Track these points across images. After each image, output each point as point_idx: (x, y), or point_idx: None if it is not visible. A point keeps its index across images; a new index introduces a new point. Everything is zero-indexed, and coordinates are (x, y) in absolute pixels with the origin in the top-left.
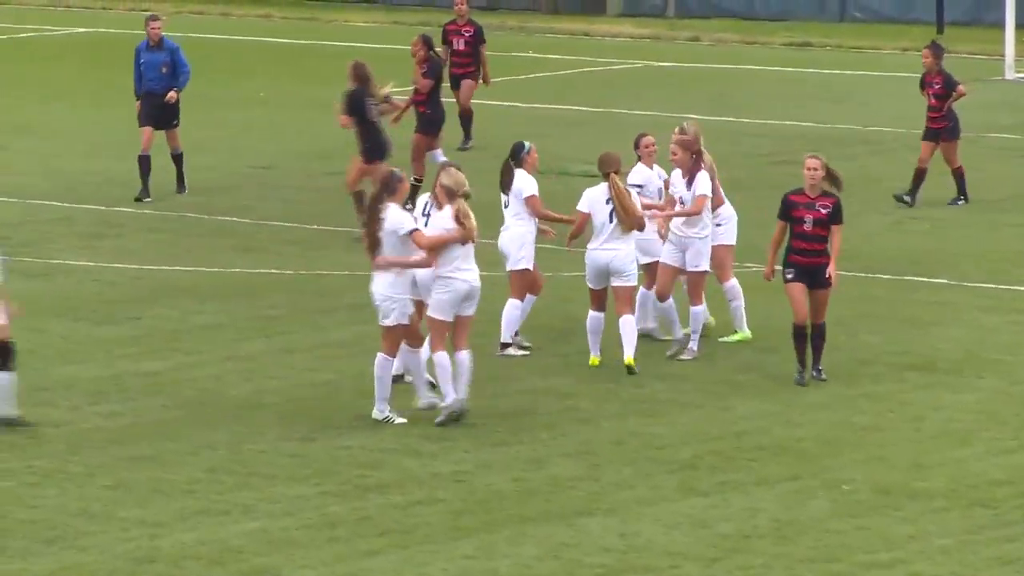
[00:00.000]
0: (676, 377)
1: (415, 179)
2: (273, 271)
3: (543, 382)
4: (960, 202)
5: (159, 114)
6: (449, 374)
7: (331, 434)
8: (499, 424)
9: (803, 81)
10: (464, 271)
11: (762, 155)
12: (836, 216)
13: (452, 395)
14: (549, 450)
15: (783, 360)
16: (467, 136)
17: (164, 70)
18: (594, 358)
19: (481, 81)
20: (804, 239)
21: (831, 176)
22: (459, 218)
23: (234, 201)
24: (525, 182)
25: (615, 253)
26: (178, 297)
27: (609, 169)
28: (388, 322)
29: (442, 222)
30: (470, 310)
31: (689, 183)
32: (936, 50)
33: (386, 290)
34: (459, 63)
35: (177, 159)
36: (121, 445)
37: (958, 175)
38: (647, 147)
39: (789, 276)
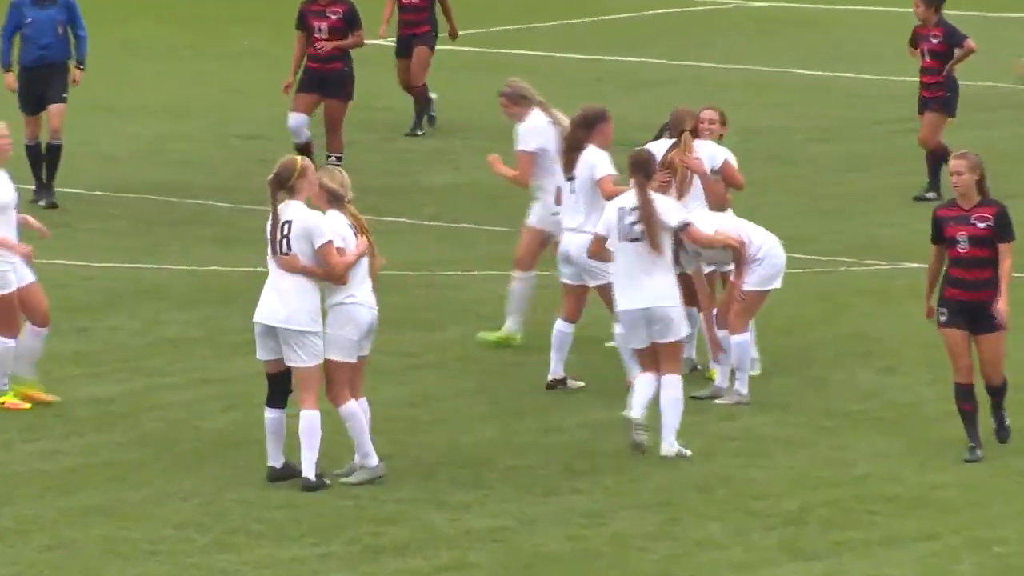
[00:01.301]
0: (777, 407)
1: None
2: (261, 269)
3: (605, 413)
4: (931, 196)
5: (47, 93)
6: (367, 425)
7: (331, 475)
8: (547, 467)
9: None
10: (368, 296)
11: (888, 121)
12: (1002, 231)
13: (375, 457)
14: (614, 501)
15: (912, 383)
16: (418, 120)
17: (60, 31)
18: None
19: (448, 35)
20: (960, 265)
21: (982, 179)
22: (362, 228)
23: (213, 180)
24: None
25: None
26: (140, 302)
27: (684, 128)
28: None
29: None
30: (368, 348)
31: None
32: None
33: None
34: (410, 20)
35: (54, 152)
36: (65, 494)
37: (933, 159)
38: (703, 122)
39: (943, 318)
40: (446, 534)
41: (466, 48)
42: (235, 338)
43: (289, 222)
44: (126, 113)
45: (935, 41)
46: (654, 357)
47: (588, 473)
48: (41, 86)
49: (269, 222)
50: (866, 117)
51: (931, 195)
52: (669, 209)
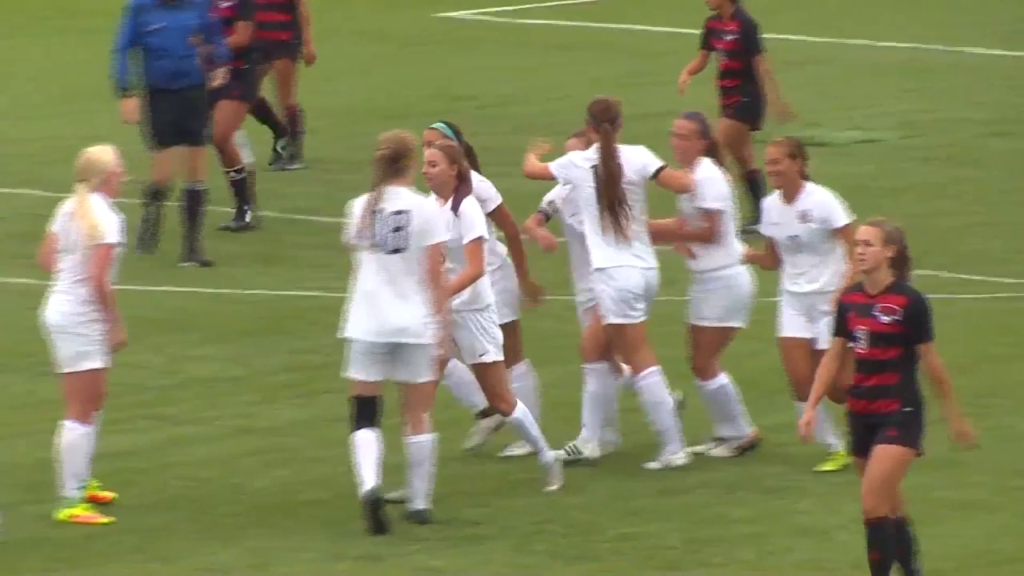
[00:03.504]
0: (949, 464)
1: None
2: (313, 294)
3: (736, 470)
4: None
5: (184, 121)
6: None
7: (407, 547)
8: (668, 535)
9: None
10: None
11: None
12: (911, 326)
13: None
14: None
15: None
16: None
17: (193, 43)
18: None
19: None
20: (861, 368)
21: (898, 259)
22: None
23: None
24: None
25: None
26: (164, 334)
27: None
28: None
29: None
30: None
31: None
32: None
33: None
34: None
35: (195, 199)
36: (77, 567)
37: (751, 178)
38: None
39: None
40: None
41: (578, 23)
42: (279, 379)
43: (405, 212)
44: None
45: (729, 39)
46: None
47: (717, 542)
48: (173, 113)
49: (363, 212)
50: None
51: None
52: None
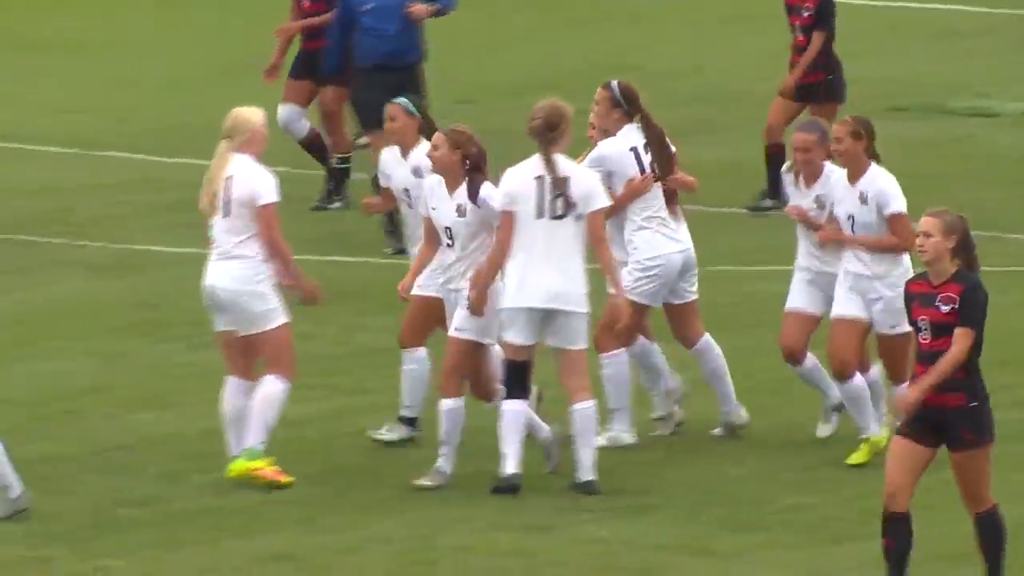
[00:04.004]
0: None
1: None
2: None
3: None
4: (767, 203)
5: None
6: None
7: (573, 517)
8: (839, 507)
9: None
10: None
11: None
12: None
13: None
14: (922, 550)
15: None
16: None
17: (409, 20)
18: None
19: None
20: (923, 360)
21: (961, 248)
22: None
23: None
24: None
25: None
26: (334, 304)
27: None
28: None
29: None
30: None
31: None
32: None
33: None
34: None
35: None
36: (242, 537)
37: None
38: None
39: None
40: None
41: None
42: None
43: (564, 179)
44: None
45: (806, 15)
46: None
47: None
48: (386, 94)
49: (530, 179)
50: None
51: (767, 203)
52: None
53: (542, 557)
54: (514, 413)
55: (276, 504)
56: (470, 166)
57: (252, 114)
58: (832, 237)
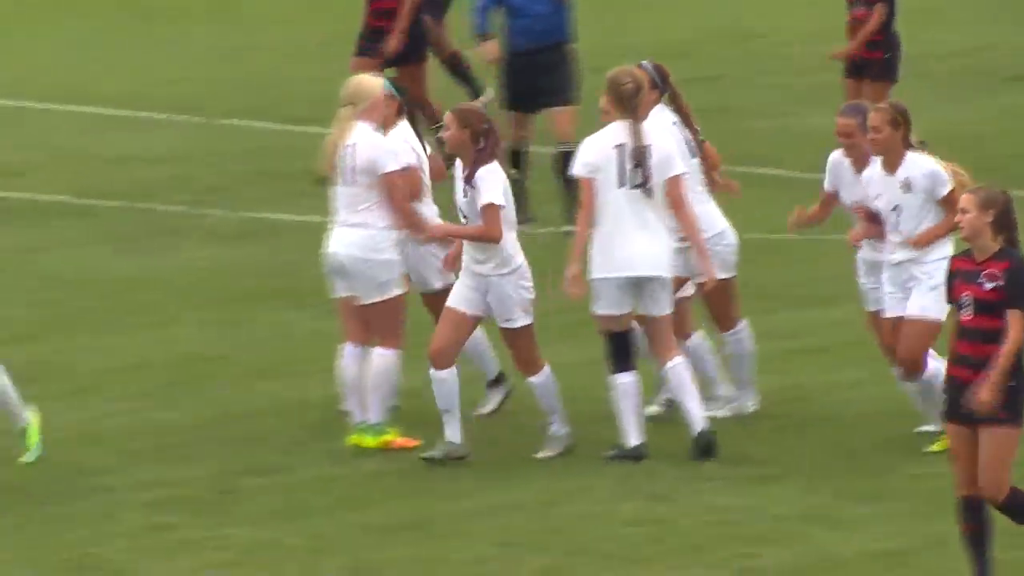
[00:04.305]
0: None
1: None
2: None
3: None
4: None
5: (545, 82)
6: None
7: (694, 486)
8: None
9: None
10: None
11: None
12: (1010, 291)
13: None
14: None
15: None
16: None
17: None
18: None
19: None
20: (964, 336)
21: (1000, 223)
22: None
23: None
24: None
25: None
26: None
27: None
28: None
29: None
30: None
31: None
32: None
33: None
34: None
35: (567, 161)
36: (366, 507)
37: None
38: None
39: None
40: (837, 556)
41: None
42: (563, 319)
43: (646, 146)
44: None
45: None
46: None
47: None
48: (534, 77)
49: (610, 147)
50: None
51: None
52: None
53: (664, 526)
54: (625, 385)
55: (397, 473)
56: (481, 145)
57: (373, 82)
58: (861, 236)
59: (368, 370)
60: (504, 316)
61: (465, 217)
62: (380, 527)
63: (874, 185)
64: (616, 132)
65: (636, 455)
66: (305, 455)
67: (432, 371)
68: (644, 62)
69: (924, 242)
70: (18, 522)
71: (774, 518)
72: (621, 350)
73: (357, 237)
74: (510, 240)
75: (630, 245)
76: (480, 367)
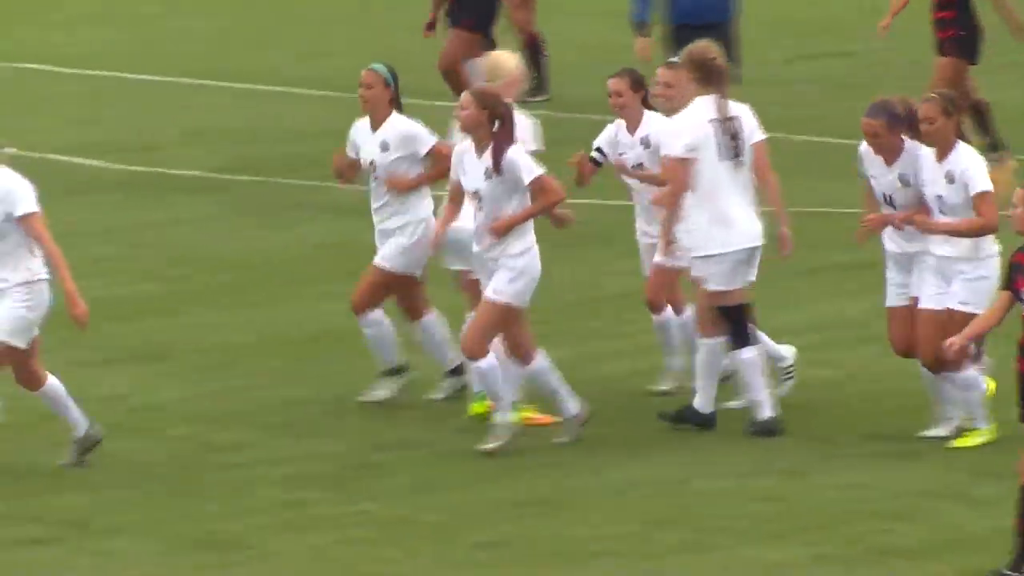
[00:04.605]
0: None
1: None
2: None
3: None
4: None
5: None
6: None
7: (831, 463)
8: None
9: None
10: None
11: None
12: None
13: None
14: None
15: None
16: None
17: None
18: None
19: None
20: None
21: None
22: None
23: None
24: None
25: None
26: (583, 247)
27: None
28: None
29: None
30: None
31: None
32: None
33: None
34: None
35: None
36: (500, 482)
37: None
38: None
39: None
40: (971, 534)
41: None
42: None
43: (736, 118)
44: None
45: None
46: None
47: None
48: None
49: (706, 123)
50: None
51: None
52: None
53: (798, 502)
54: (751, 359)
55: (532, 448)
56: (497, 127)
57: (509, 59)
58: (922, 225)
59: (498, 348)
60: (493, 288)
61: (481, 200)
62: (516, 502)
63: (925, 172)
64: (705, 108)
65: (767, 428)
66: (441, 430)
67: (471, 363)
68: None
69: (933, 230)
70: (151, 498)
71: (908, 495)
72: (740, 325)
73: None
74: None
75: (741, 217)
76: (436, 358)
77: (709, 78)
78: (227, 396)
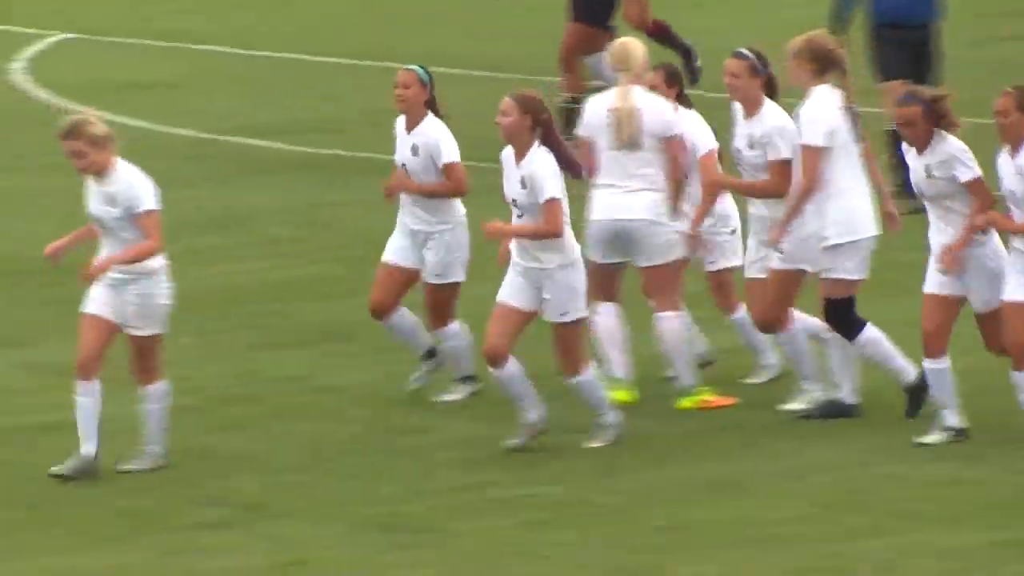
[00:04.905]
0: None
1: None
2: None
3: None
4: None
5: (911, 61)
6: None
7: (1003, 449)
8: None
9: None
10: None
11: None
12: None
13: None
14: None
15: None
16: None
17: None
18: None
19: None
20: None
21: None
22: None
23: None
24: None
25: None
26: None
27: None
28: None
29: None
30: None
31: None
32: None
33: None
34: None
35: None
36: (683, 464)
37: None
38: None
39: None
40: None
41: None
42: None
43: (852, 107)
44: None
45: None
46: None
47: None
48: (903, 52)
49: (838, 110)
50: None
51: None
52: None
53: (977, 487)
54: (872, 337)
55: (716, 431)
56: (542, 134)
57: (636, 45)
58: (999, 224)
59: (662, 338)
60: (560, 310)
61: (519, 208)
62: (694, 485)
63: (1001, 167)
64: (832, 96)
65: (921, 387)
66: (618, 412)
67: (492, 371)
68: (742, 49)
69: (1012, 230)
70: (332, 478)
71: None
72: (850, 314)
73: (646, 202)
74: (568, 233)
75: (868, 205)
76: (411, 343)
77: (830, 65)
78: (407, 378)
